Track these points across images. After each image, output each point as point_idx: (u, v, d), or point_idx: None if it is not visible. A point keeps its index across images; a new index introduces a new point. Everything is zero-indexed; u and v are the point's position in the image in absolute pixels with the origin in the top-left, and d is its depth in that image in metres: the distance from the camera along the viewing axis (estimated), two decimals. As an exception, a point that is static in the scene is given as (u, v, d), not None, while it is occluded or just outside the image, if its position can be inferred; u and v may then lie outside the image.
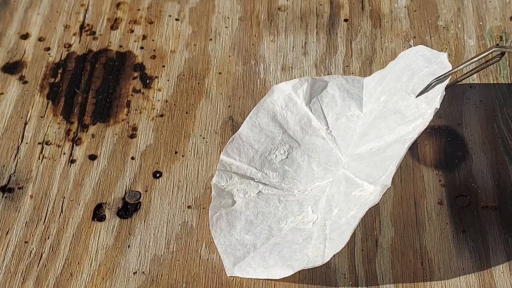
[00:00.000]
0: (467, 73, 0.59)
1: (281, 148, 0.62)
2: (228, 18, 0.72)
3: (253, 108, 0.65)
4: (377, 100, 0.63)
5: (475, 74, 0.67)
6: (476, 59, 0.57)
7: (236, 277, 0.56)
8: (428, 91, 0.58)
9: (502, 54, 0.57)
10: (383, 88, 0.63)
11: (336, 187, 0.58)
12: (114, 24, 0.72)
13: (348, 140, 0.62)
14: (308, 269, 0.56)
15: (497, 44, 0.58)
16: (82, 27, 0.72)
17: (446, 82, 0.57)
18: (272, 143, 0.63)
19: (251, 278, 0.56)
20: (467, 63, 0.58)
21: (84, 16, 0.73)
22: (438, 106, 0.56)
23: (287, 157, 0.62)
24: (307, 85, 0.64)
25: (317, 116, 0.64)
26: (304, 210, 0.59)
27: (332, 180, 0.60)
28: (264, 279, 0.56)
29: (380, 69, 0.66)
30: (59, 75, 0.68)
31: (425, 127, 0.55)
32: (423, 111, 0.57)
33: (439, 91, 0.57)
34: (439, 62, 0.59)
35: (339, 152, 0.62)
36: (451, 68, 0.58)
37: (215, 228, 0.58)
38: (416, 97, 0.58)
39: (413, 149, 0.63)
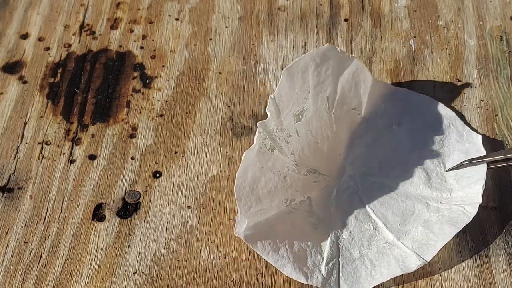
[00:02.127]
0: (498, 162, 0.59)
1: (301, 106, 0.59)
2: (228, 18, 0.72)
3: (253, 108, 0.65)
4: (389, 124, 0.63)
5: (476, 74, 0.67)
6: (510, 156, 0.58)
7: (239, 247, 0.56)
8: (458, 168, 0.59)
9: None
10: (397, 118, 0.63)
11: (344, 201, 0.59)
12: (114, 24, 0.72)
13: (346, 136, 0.62)
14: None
15: None
16: (82, 27, 0.72)
17: (484, 172, 0.58)
18: (300, 98, 0.59)
19: (249, 277, 0.56)
20: (501, 155, 0.59)
21: (84, 16, 0.73)
22: (480, 201, 0.57)
23: (300, 120, 0.59)
24: (349, 60, 0.62)
25: (331, 90, 0.61)
26: (304, 200, 0.58)
27: (337, 187, 0.60)
28: (263, 280, 0.56)
29: (388, 83, 0.66)
30: (58, 75, 0.68)
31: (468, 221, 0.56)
32: (450, 186, 0.59)
33: (479, 184, 0.58)
34: (471, 142, 0.61)
35: (339, 146, 0.61)
36: (485, 154, 0.59)
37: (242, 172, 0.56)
38: (446, 170, 0.60)
39: (413, 149, 0.63)
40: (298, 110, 0.59)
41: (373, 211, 0.58)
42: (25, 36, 0.71)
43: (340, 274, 0.55)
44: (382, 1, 0.73)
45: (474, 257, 0.57)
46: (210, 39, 0.70)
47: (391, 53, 0.69)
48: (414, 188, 0.59)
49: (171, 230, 0.58)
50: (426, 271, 0.56)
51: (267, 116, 0.57)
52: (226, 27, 0.71)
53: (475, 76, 0.67)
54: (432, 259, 0.56)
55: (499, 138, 0.63)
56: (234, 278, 0.56)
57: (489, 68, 0.67)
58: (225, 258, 0.57)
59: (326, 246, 0.57)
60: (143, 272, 0.56)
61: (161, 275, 0.56)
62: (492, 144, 0.62)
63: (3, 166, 0.62)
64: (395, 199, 0.59)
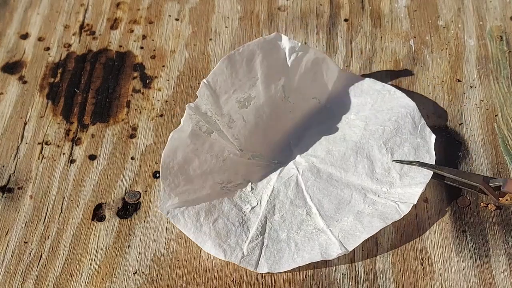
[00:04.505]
0: (446, 178, 0.60)
1: (246, 93, 0.60)
2: (228, 18, 0.72)
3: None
4: (347, 113, 0.64)
5: (476, 75, 0.67)
6: (459, 178, 0.58)
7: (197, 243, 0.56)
8: (404, 164, 0.60)
9: (481, 190, 0.58)
10: (357, 108, 0.64)
11: (284, 186, 0.60)
12: (114, 24, 0.72)
13: (302, 124, 0.63)
14: (308, 268, 0.56)
15: (484, 181, 0.58)
16: (81, 27, 0.72)
17: (428, 177, 0.59)
18: (244, 85, 0.61)
19: (249, 277, 0.56)
20: (451, 174, 0.59)
21: (84, 16, 0.73)
22: (415, 203, 0.58)
23: (247, 107, 0.60)
24: (299, 48, 0.63)
25: (286, 79, 0.62)
26: (242, 182, 0.59)
27: (280, 172, 0.61)
28: (263, 280, 0.56)
29: (355, 74, 0.66)
30: (58, 75, 0.68)
31: (398, 219, 0.57)
32: (392, 180, 0.59)
33: (419, 187, 0.58)
34: (424, 138, 0.61)
35: (292, 133, 0.62)
36: (435, 159, 0.60)
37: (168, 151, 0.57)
38: (392, 160, 0.60)
39: (413, 149, 0.63)
40: (242, 96, 0.60)
41: (310, 196, 0.59)
42: (25, 36, 0.71)
43: (262, 253, 0.56)
44: (382, 1, 0.73)
45: (474, 257, 0.57)
46: (210, 39, 0.70)
47: (391, 53, 0.69)
48: (356, 177, 0.60)
49: (171, 230, 0.58)
50: (426, 271, 0.56)
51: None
52: (226, 27, 0.71)
53: (475, 76, 0.67)
54: (432, 259, 0.56)
55: (499, 138, 0.63)
56: (234, 278, 0.56)
57: (489, 68, 0.67)
58: (225, 258, 0.57)
59: (254, 226, 0.58)
60: (143, 272, 0.56)
61: (161, 275, 0.56)
62: (491, 144, 0.62)
63: (3, 166, 0.62)
64: (335, 187, 0.60)
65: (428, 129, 0.62)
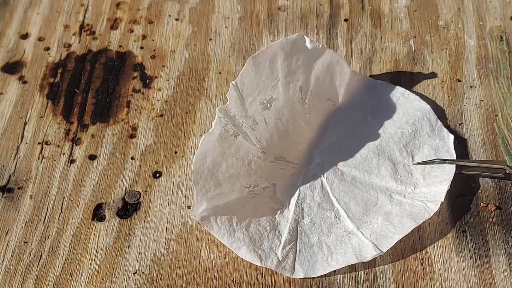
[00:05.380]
0: (467, 168, 0.61)
1: (269, 94, 0.60)
2: (228, 18, 0.72)
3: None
4: (363, 115, 0.64)
5: (476, 74, 0.67)
6: (483, 165, 0.60)
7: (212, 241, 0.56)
8: (427, 164, 0.60)
9: (508, 174, 0.60)
10: (372, 110, 0.64)
11: (310, 189, 0.60)
12: (114, 24, 0.72)
13: (319, 125, 0.63)
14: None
15: (507, 163, 0.60)
16: (81, 27, 0.72)
17: (452, 174, 0.59)
18: (267, 86, 0.60)
19: (249, 277, 0.56)
20: (475, 163, 0.60)
21: (84, 16, 0.73)
22: (443, 200, 0.58)
23: (269, 109, 0.60)
24: (317, 48, 0.62)
25: (304, 80, 0.62)
26: (268, 186, 0.59)
27: (304, 175, 0.60)
28: (263, 280, 0.56)
29: (358, 74, 0.66)
30: (58, 75, 0.68)
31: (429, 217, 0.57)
32: (416, 181, 0.60)
33: (445, 184, 0.59)
34: (442, 139, 0.62)
35: (311, 135, 0.62)
36: (455, 158, 0.60)
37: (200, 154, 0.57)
38: (414, 163, 0.61)
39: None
40: (265, 98, 0.60)
41: (337, 199, 0.59)
42: (25, 36, 0.71)
43: (296, 258, 0.56)
44: (382, 1, 0.73)
45: (474, 257, 0.57)
46: (210, 39, 0.70)
47: (391, 53, 0.69)
48: (380, 179, 0.60)
49: (171, 230, 0.58)
50: (426, 271, 0.56)
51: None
52: (226, 27, 0.71)
53: (475, 76, 0.67)
54: (432, 259, 0.56)
55: (499, 138, 0.63)
56: (234, 278, 0.56)
57: (489, 68, 0.67)
58: (225, 258, 0.57)
59: (285, 230, 0.57)
60: (143, 272, 0.56)
61: (161, 275, 0.56)
62: (491, 144, 0.62)
63: (3, 166, 0.62)
64: (359, 189, 0.60)
65: (445, 130, 0.62)
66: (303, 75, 0.61)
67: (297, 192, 0.60)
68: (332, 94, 0.64)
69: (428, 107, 0.64)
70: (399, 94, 0.65)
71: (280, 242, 0.57)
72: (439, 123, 0.63)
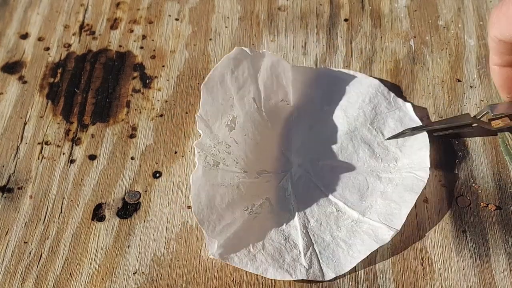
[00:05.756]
0: (438, 131, 0.62)
1: (230, 115, 0.60)
2: (228, 18, 0.72)
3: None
4: (320, 105, 0.64)
5: (476, 74, 0.67)
6: (452, 125, 0.62)
7: (219, 261, 0.56)
8: (399, 137, 0.62)
9: (476, 127, 0.61)
10: (326, 98, 0.65)
11: (302, 191, 0.60)
12: (113, 24, 0.72)
13: (283, 128, 0.63)
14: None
15: (474, 116, 0.62)
16: (81, 27, 0.72)
17: (426, 139, 0.61)
18: (226, 107, 0.61)
19: (249, 277, 0.56)
20: (443, 124, 0.62)
21: (84, 16, 0.73)
22: (429, 165, 0.59)
23: (234, 128, 0.60)
24: (253, 57, 0.63)
25: (254, 90, 0.62)
26: (264, 201, 0.59)
27: (291, 180, 0.60)
28: (263, 280, 0.56)
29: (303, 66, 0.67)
30: (58, 75, 0.68)
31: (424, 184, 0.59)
32: (394, 155, 0.61)
33: (424, 151, 0.60)
34: (401, 110, 0.63)
35: (279, 140, 0.62)
36: (421, 124, 0.62)
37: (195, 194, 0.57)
38: (386, 139, 0.62)
39: (413, 149, 0.63)
40: (228, 119, 0.60)
41: (331, 193, 0.59)
42: (25, 36, 0.71)
43: (321, 261, 0.56)
44: (382, 1, 0.73)
45: (474, 257, 0.57)
46: (210, 39, 0.70)
47: (391, 53, 0.69)
48: (362, 162, 0.61)
49: (171, 230, 0.58)
50: (426, 271, 0.56)
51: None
52: (226, 27, 0.71)
53: (475, 76, 0.67)
54: (432, 259, 0.56)
55: (499, 138, 0.63)
56: (234, 278, 0.56)
57: (489, 68, 0.67)
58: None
59: (299, 238, 0.57)
60: (143, 272, 0.56)
61: (161, 275, 0.56)
62: (491, 144, 0.62)
63: (3, 166, 0.62)
64: (347, 177, 0.60)
65: (400, 100, 0.64)
66: (252, 86, 0.62)
67: (292, 198, 0.59)
68: (283, 94, 0.64)
69: (377, 81, 0.65)
70: (345, 76, 0.65)
71: (300, 251, 0.56)
72: (392, 94, 0.64)
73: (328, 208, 0.59)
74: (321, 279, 0.55)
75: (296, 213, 0.59)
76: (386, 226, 0.56)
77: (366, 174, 0.60)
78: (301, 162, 0.61)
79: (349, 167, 0.61)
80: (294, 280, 0.56)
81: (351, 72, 0.66)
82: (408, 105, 0.64)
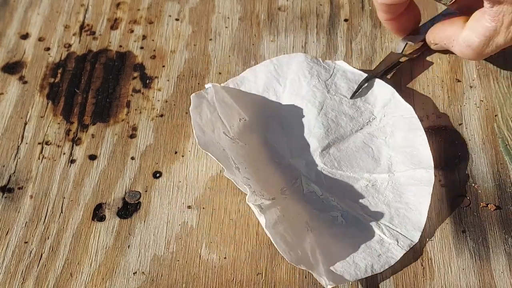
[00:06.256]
0: (379, 73, 0.66)
1: (228, 158, 0.59)
2: (228, 18, 0.72)
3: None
4: (271, 107, 0.64)
5: (475, 75, 0.67)
6: (387, 66, 0.66)
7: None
8: (360, 91, 0.64)
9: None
10: (271, 93, 0.65)
11: (327, 183, 0.59)
12: (114, 24, 0.72)
13: (260, 145, 0.62)
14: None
15: (401, 52, 0.67)
16: (82, 27, 0.72)
17: (380, 85, 0.65)
18: (220, 152, 0.60)
19: (249, 277, 0.56)
20: (381, 67, 0.66)
21: (84, 16, 0.73)
22: (403, 101, 0.63)
23: (239, 168, 0.58)
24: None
25: (220, 124, 0.62)
26: (303, 213, 0.58)
27: (305, 180, 0.60)
28: (263, 280, 0.56)
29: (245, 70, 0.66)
30: (59, 75, 0.68)
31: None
32: (366, 109, 0.64)
33: (387, 94, 0.64)
34: (338, 69, 0.66)
35: (269, 155, 0.61)
36: (361, 73, 0.65)
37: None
38: (350, 98, 0.64)
39: (413, 149, 0.63)
40: (232, 161, 0.58)
41: (351, 171, 0.60)
42: (25, 36, 0.71)
43: (399, 231, 0.57)
44: (382, 1, 0.73)
45: (474, 257, 0.57)
46: (210, 39, 0.70)
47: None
48: (349, 129, 0.62)
49: (171, 230, 0.59)
50: (426, 271, 0.56)
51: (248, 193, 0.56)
52: (226, 27, 0.71)
53: (475, 76, 0.67)
54: (432, 259, 0.56)
55: (499, 138, 0.63)
56: (234, 278, 0.56)
57: (489, 68, 0.67)
58: (225, 258, 0.57)
59: (368, 226, 0.57)
60: (143, 272, 0.56)
61: (161, 275, 0.56)
62: (491, 143, 0.62)
63: (3, 166, 0.62)
64: (351, 150, 0.61)
65: (329, 61, 0.66)
66: (218, 122, 0.61)
67: (326, 195, 0.59)
68: (237, 114, 0.62)
69: (300, 54, 0.66)
70: (267, 68, 0.66)
71: (379, 235, 0.56)
72: (319, 59, 0.66)
73: (360, 184, 0.59)
74: (414, 242, 0.56)
75: (340, 205, 0.58)
76: (421, 168, 0.58)
77: (362, 139, 0.62)
78: (305, 161, 0.61)
79: (346, 141, 0.62)
80: (295, 279, 0.56)
81: (265, 62, 0.66)
82: (340, 62, 0.66)
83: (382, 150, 0.61)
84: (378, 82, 0.65)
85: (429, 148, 0.59)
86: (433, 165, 0.58)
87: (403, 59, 0.67)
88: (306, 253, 0.54)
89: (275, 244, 0.53)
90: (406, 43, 0.67)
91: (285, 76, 0.65)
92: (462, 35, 0.61)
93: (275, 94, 0.65)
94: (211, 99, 0.62)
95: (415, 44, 0.67)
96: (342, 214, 0.58)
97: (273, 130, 0.63)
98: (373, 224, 0.57)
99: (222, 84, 0.64)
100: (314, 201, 0.59)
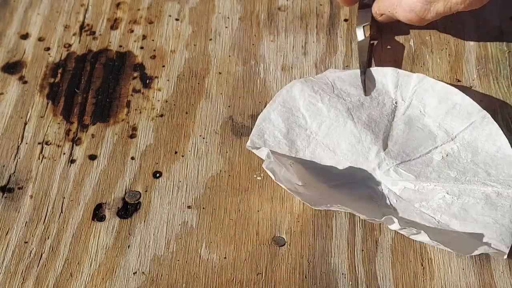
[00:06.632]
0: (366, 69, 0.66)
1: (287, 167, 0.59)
2: (228, 18, 0.72)
3: (253, 108, 0.65)
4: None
5: (475, 75, 0.67)
6: (367, 55, 0.67)
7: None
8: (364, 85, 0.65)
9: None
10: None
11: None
12: (114, 24, 0.72)
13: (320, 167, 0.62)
14: (308, 268, 0.56)
15: (362, 40, 0.68)
16: (82, 27, 0.72)
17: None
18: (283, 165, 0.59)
19: (249, 277, 0.56)
20: (364, 59, 0.67)
21: (84, 16, 0.73)
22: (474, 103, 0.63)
23: (302, 184, 0.58)
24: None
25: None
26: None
27: (379, 204, 0.59)
28: (263, 280, 0.56)
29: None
30: (59, 75, 0.68)
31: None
32: (382, 98, 0.64)
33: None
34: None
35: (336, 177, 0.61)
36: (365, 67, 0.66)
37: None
38: (366, 95, 0.64)
39: (413, 149, 0.63)
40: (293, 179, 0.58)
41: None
42: (25, 36, 0.71)
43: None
44: (382, 1, 0.73)
45: (474, 257, 0.57)
46: (210, 39, 0.70)
47: (391, 53, 0.69)
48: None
49: (171, 230, 0.59)
50: (426, 271, 0.56)
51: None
52: (226, 27, 0.71)
53: (475, 76, 0.67)
54: (432, 259, 0.56)
55: (499, 138, 0.63)
56: (234, 278, 0.56)
57: (489, 68, 0.67)
58: (225, 258, 0.57)
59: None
60: (143, 272, 0.56)
61: (161, 275, 0.56)
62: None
63: (3, 166, 0.62)
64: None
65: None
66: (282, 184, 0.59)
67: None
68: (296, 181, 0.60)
69: (296, 81, 0.65)
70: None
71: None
72: (311, 77, 0.65)
73: (436, 158, 0.60)
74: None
75: (440, 187, 0.58)
76: (473, 114, 0.61)
77: (403, 124, 0.62)
78: (378, 160, 0.60)
79: (393, 132, 0.62)
80: (295, 279, 0.56)
81: (270, 104, 0.64)
82: (329, 71, 0.66)
83: (428, 123, 0.62)
84: (373, 71, 0.66)
85: (466, 95, 0.62)
86: (479, 106, 0.61)
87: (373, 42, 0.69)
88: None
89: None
90: (363, 27, 0.68)
91: (297, 107, 0.64)
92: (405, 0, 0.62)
93: (304, 128, 0.63)
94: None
95: (371, 23, 0.69)
96: (448, 192, 0.58)
97: (329, 162, 0.61)
98: (479, 186, 0.58)
99: (248, 142, 0.61)
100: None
